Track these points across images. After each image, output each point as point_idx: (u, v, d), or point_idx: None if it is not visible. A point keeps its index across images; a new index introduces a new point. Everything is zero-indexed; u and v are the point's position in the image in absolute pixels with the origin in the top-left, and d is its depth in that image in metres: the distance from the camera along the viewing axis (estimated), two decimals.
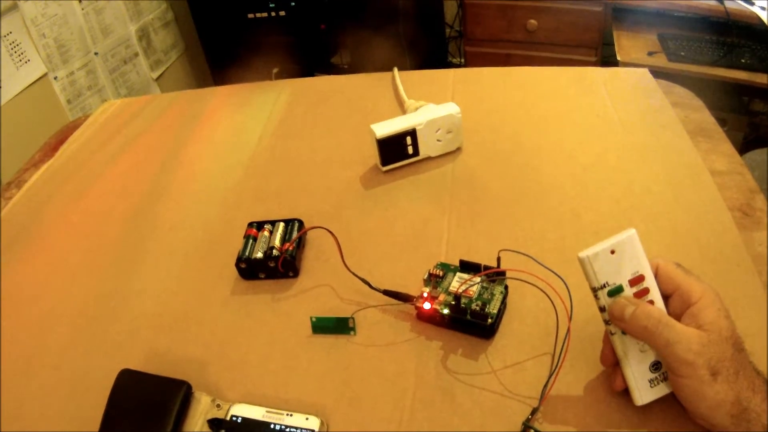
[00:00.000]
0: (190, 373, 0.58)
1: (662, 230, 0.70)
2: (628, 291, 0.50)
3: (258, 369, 0.60)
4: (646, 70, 1.03)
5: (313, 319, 0.63)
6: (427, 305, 0.60)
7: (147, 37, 2.32)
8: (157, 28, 2.38)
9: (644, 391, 0.51)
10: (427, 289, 0.62)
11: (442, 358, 0.58)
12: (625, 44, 1.94)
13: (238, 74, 2.00)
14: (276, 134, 0.98)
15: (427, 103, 0.89)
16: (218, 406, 0.56)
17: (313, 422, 0.53)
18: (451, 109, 0.83)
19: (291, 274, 0.70)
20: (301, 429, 0.53)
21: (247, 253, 0.70)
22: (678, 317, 0.49)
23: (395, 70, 1.07)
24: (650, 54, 1.87)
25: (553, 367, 0.55)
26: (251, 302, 0.68)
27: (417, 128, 0.82)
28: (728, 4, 1.82)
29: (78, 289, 0.74)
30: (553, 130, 0.90)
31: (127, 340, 0.66)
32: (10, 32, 1.71)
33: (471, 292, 0.60)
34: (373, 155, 0.84)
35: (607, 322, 0.52)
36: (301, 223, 0.73)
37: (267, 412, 0.55)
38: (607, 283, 0.50)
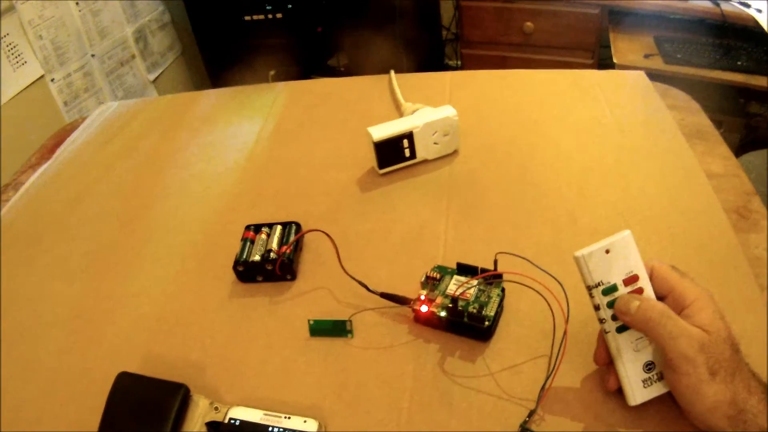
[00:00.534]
0: (187, 376, 0.58)
1: (659, 233, 0.70)
2: (623, 290, 0.51)
3: (256, 372, 0.60)
4: (642, 73, 1.03)
5: (311, 322, 0.63)
6: (424, 308, 0.60)
7: (144, 39, 2.31)
8: (154, 30, 2.38)
9: (637, 391, 0.51)
10: (425, 292, 0.62)
11: (440, 361, 0.58)
12: (622, 47, 1.94)
13: (234, 76, 2.01)
14: (273, 137, 0.98)
15: (424, 105, 0.89)
16: (216, 409, 0.56)
17: (311, 425, 0.53)
18: (447, 111, 0.84)
19: (288, 277, 0.70)
20: (299, 431, 0.53)
21: (244, 256, 0.70)
22: None
23: (392, 72, 1.07)
24: (647, 56, 1.87)
25: (550, 369, 0.56)
26: (249, 305, 0.68)
27: (414, 131, 0.82)
28: (724, 7, 1.83)
29: (75, 291, 0.74)
30: (549, 133, 0.90)
31: (125, 343, 0.66)
32: (7, 34, 1.71)
33: (468, 295, 0.60)
34: (370, 158, 0.84)
35: (601, 321, 0.52)
36: (298, 226, 0.73)
37: (265, 414, 0.55)
38: (601, 282, 0.51)
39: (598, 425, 0.52)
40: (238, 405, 0.56)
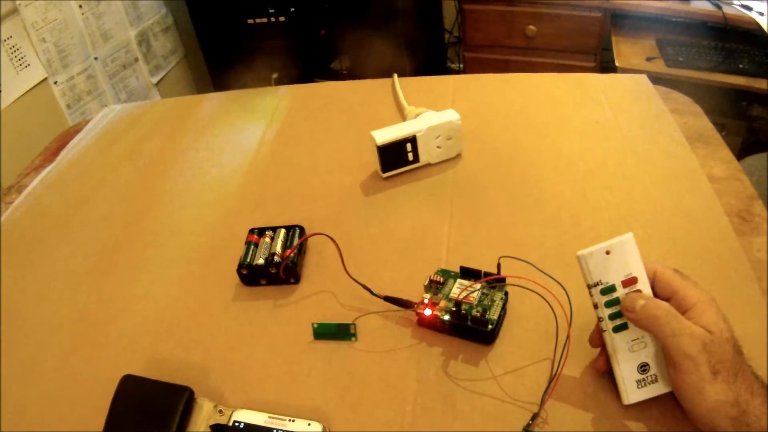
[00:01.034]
0: (192, 379, 0.58)
1: (661, 236, 0.70)
2: (621, 291, 0.52)
3: (260, 375, 0.61)
4: (644, 77, 1.03)
5: (315, 325, 0.63)
6: (428, 311, 0.60)
7: (147, 42, 2.32)
8: (157, 33, 2.38)
9: (631, 391, 0.52)
10: (428, 296, 0.62)
11: (443, 364, 0.59)
12: (624, 50, 1.95)
13: (237, 79, 2.01)
14: (276, 140, 0.99)
15: (427, 109, 0.89)
16: (220, 411, 0.56)
17: (315, 427, 0.53)
18: (450, 115, 0.84)
19: (292, 280, 0.70)
20: None
21: (248, 260, 0.70)
22: None
23: (395, 76, 1.08)
24: (649, 59, 1.87)
25: (553, 373, 0.56)
26: (253, 308, 0.68)
27: (417, 135, 0.82)
28: (726, 10, 1.83)
29: (79, 294, 0.74)
30: (552, 137, 0.90)
31: (129, 346, 0.66)
32: (10, 36, 1.72)
33: (471, 299, 0.61)
34: (374, 162, 0.84)
35: (599, 319, 0.54)
36: (302, 229, 0.74)
37: (269, 417, 0.55)
38: (600, 281, 0.52)
39: (600, 428, 0.52)
40: (242, 408, 0.56)
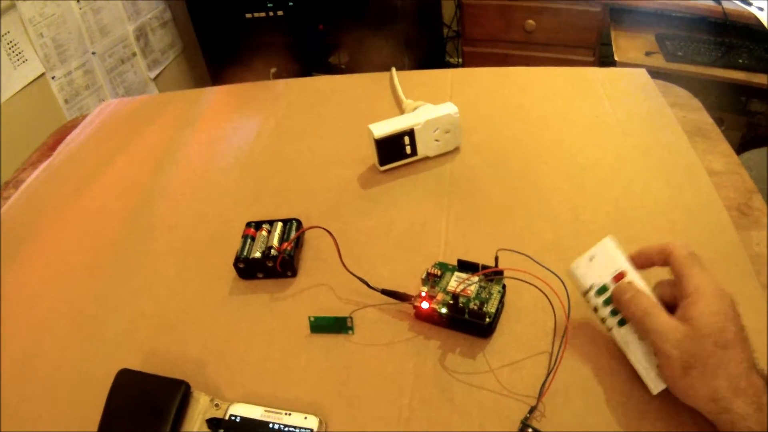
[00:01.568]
0: (188, 373, 0.58)
1: (660, 230, 0.70)
2: (613, 287, 0.54)
3: (256, 368, 0.60)
4: (643, 71, 1.03)
5: (312, 319, 0.63)
6: (425, 304, 0.60)
7: (145, 36, 2.31)
8: (155, 27, 2.38)
9: (654, 379, 0.52)
10: (425, 289, 0.62)
11: (441, 357, 0.58)
12: (623, 44, 1.94)
13: (235, 74, 2.00)
14: (274, 134, 0.98)
15: (425, 103, 0.89)
16: (217, 405, 0.56)
17: (312, 421, 0.53)
18: (449, 109, 0.84)
19: (289, 273, 0.70)
20: (300, 428, 0.53)
21: (245, 253, 0.70)
22: (676, 305, 0.51)
23: (393, 70, 1.07)
24: (648, 54, 1.87)
25: (551, 366, 0.55)
26: (249, 302, 0.68)
27: (415, 128, 0.82)
28: (726, 5, 1.82)
29: (76, 288, 0.74)
30: (551, 131, 0.90)
31: (126, 340, 0.66)
32: (8, 32, 1.71)
33: (469, 292, 0.60)
34: (371, 155, 0.84)
35: (603, 321, 0.55)
36: (299, 222, 0.73)
37: (265, 411, 0.55)
38: (593, 285, 0.56)
39: (599, 422, 0.52)
40: (238, 402, 0.56)
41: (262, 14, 2.25)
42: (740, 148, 1.87)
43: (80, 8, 1.99)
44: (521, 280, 0.60)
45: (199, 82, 2.67)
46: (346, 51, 2.36)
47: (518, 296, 0.63)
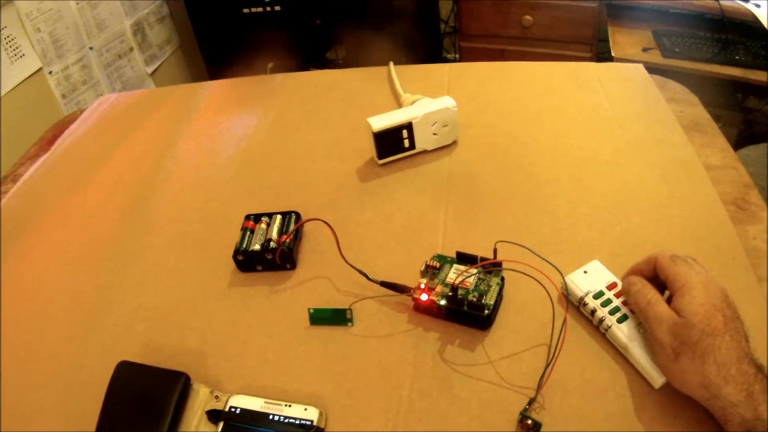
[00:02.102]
0: (188, 365, 0.59)
1: (657, 224, 0.70)
2: (608, 293, 0.59)
3: (256, 360, 0.61)
4: (640, 66, 1.03)
5: (311, 311, 0.63)
6: (424, 296, 0.60)
7: (142, 31, 2.31)
8: (152, 22, 2.37)
9: (658, 371, 0.52)
10: (424, 281, 0.62)
11: (440, 349, 0.59)
12: (620, 40, 1.94)
13: (233, 69, 2.00)
14: (272, 128, 0.98)
15: (423, 96, 0.89)
16: (216, 397, 0.56)
17: (312, 413, 0.53)
18: (447, 102, 0.84)
19: (288, 266, 0.70)
20: (300, 419, 0.53)
21: (244, 246, 0.70)
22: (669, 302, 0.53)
23: (391, 64, 1.07)
24: (645, 50, 1.87)
25: (550, 358, 0.56)
26: (249, 294, 0.68)
27: (413, 122, 0.82)
28: (723, 1, 1.82)
29: (75, 281, 0.74)
30: (548, 125, 0.90)
31: (125, 333, 0.66)
32: (5, 27, 1.70)
33: (468, 284, 0.61)
34: (370, 149, 0.84)
35: (601, 321, 0.57)
36: (298, 215, 0.73)
37: (265, 402, 0.55)
38: (589, 290, 0.59)
39: (597, 413, 0.52)
40: (238, 393, 0.56)
41: (260, 9, 2.25)
42: (737, 144, 1.88)
43: (77, 3, 1.99)
44: (520, 272, 0.60)
45: (197, 78, 2.67)
46: (343, 46, 2.36)
47: (517, 289, 0.63)
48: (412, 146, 0.84)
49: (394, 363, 0.58)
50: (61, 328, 0.68)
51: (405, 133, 0.82)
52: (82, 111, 1.15)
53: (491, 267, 0.62)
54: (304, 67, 2.36)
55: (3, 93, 1.70)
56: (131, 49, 2.26)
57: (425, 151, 0.86)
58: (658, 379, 0.52)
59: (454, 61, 2.79)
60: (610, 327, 0.56)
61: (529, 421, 0.51)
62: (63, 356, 0.64)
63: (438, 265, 0.64)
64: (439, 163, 0.85)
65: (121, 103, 1.15)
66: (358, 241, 0.72)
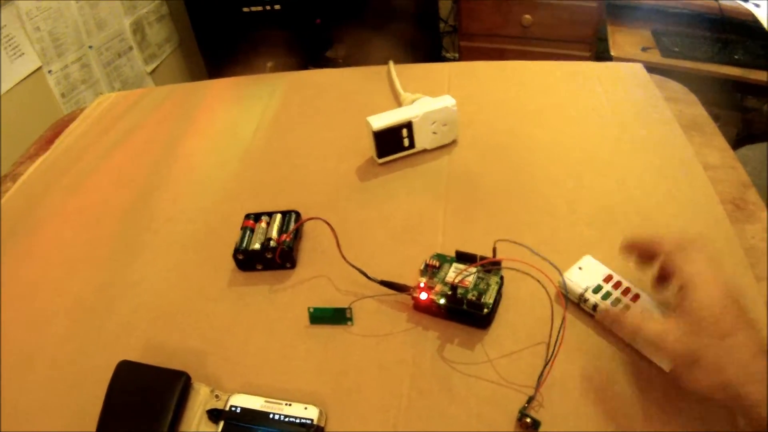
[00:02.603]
0: (188, 365, 0.59)
1: (655, 223, 0.70)
2: (606, 286, 0.60)
3: (256, 359, 0.61)
4: (640, 65, 1.03)
5: (311, 310, 0.63)
6: (423, 295, 0.60)
7: (141, 30, 2.31)
8: (152, 21, 2.37)
9: None
10: (424, 280, 0.62)
11: (439, 348, 0.59)
12: (619, 40, 1.94)
13: (232, 68, 2.00)
14: (272, 127, 0.98)
15: (423, 95, 0.89)
16: (217, 396, 0.56)
17: (312, 412, 0.54)
18: (446, 101, 0.84)
19: (288, 265, 0.70)
20: (300, 418, 0.53)
21: (244, 245, 0.70)
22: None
23: (390, 63, 1.07)
24: (644, 49, 1.87)
25: (549, 356, 0.56)
26: (249, 293, 0.68)
27: (413, 120, 0.82)
28: (722, 1, 1.83)
29: (75, 281, 0.74)
30: (547, 124, 0.90)
31: (126, 332, 0.66)
32: (5, 25, 1.70)
33: (467, 283, 0.61)
34: (369, 148, 0.84)
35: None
36: (298, 214, 0.74)
37: (266, 402, 0.55)
38: (588, 286, 0.60)
39: (597, 411, 0.52)
40: (239, 392, 0.56)
41: (259, 8, 2.25)
42: (735, 144, 1.88)
43: (77, 2, 1.99)
44: (519, 271, 0.60)
45: (196, 77, 2.66)
46: (342, 45, 2.36)
47: (516, 288, 0.63)
48: (412, 145, 0.84)
49: (393, 362, 0.58)
50: (62, 328, 0.68)
51: (405, 132, 0.83)
52: (81, 110, 1.14)
53: (490, 266, 0.62)
54: (303, 66, 2.36)
55: (2, 92, 1.70)
56: (131, 48, 2.26)
57: (425, 151, 0.86)
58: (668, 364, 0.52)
59: (454, 60, 2.79)
60: (625, 309, 0.57)
61: (528, 420, 0.51)
62: (63, 356, 0.64)
63: (437, 264, 0.64)
64: (439, 162, 0.85)
65: (121, 102, 1.15)
66: (358, 240, 0.72)
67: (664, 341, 0.49)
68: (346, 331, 0.62)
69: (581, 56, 2.20)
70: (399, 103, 0.95)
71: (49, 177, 0.95)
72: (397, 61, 1.09)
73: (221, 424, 0.54)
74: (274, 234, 0.70)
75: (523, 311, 0.61)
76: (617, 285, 0.60)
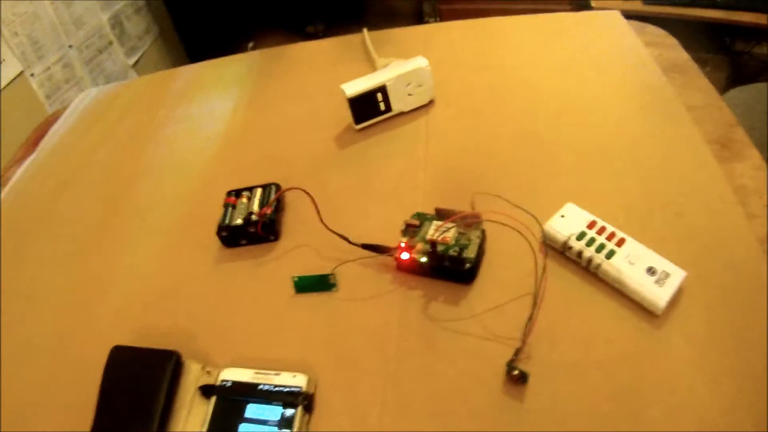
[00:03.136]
0: (180, 344, 0.59)
1: (640, 165, 0.69)
2: (590, 232, 0.59)
3: (245, 333, 0.61)
4: (616, 12, 1.02)
5: (295, 279, 0.63)
6: (405, 255, 0.60)
7: (120, 24, 2.29)
8: (129, 14, 2.35)
9: (656, 294, 0.53)
10: (405, 240, 0.62)
11: (424, 307, 0.59)
12: None
13: (213, 52, 1.99)
14: (250, 104, 0.98)
15: (396, 59, 0.88)
16: (208, 372, 0.57)
17: (300, 379, 0.54)
18: (419, 62, 0.83)
19: (272, 237, 0.70)
20: (289, 387, 0.53)
21: (227, 221, 0.70)
22: None
23: (365, 30, 1.06)
24: None
25: (535, 306, 0.56)
26: (235, 269, 0.68)
27: (387, 84, 0.81)
28: None
29: (68, 275, 0.74)
30: (525, 78, 0.89)
31: (118, 319, 0.66)
32: None
33: (448, 239, 0.60)
34: (347, 116, 0.83)
35: (589, 262, 0.57)
36: (278, 186, 0.73)
37: (255, 373, 0.55)
38: (571, 234, 0.59)
39: (585, 360, 0.52)
40: (229, 367, 0.56)
41: None
42: (726, 88, 1.86)
43: (52, 3, 1.97)
44: (502, 224, 0.60)
45: (179, 64, 2.63)
46: (322, 20, 2.34)
47: (499, 241, 0.63)
48: (389, 109, 0.84)
49: (379, 324, 0.58)
50: (57, 321, 0.68)
51: (380, 96, 0.82)
52: (65, 109, 1.14)
53: (470, 220, 0.61)
54: (284, 43, 2.34)
55: None
56: (111, 43, 2.24)
57: (402, 113, 0.85)
58: (659, 303, 0.52)
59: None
60: (600, 265, 0.56)
61: (516, 372, 0.51)
62: (60, 348, 0.65)
63: (418, 223, 0.64)
64: (417, 124, 0.84)
65: (102, 97, 1.14)
66: (339, 207, 0.72)
67: None
68: (331, 297, 0.62)
69: (562, 9, 2.17)
70: (375, 69, 0.94)
71: (36, 178, 0.95)
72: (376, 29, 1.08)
73: (213, 399, 0.54)
74: (256, 208, 0.70)
75: (507, 264, 0.61)
76: (601, 230, 0.59)
